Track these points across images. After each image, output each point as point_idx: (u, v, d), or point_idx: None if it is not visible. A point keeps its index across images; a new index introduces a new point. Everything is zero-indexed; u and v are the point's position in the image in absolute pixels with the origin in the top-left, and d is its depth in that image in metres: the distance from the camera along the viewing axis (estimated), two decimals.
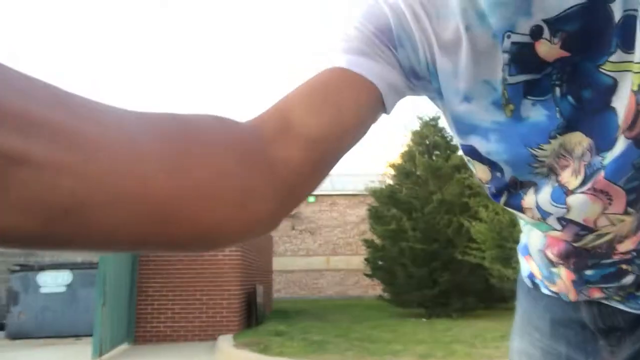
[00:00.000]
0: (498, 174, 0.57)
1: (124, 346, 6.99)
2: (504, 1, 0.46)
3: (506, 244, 7.52)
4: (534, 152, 0.53)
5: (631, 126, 0.48)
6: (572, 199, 0.54)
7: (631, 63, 0.46)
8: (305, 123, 0.42)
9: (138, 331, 7.29)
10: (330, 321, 8.81)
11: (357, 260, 18.49)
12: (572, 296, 0.68)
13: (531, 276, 0.77)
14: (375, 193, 10.65)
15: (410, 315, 8.58)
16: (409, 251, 8.88)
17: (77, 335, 8.12)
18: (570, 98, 0.50)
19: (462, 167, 8.89)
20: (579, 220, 0.56)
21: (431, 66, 0.52)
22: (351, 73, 0.46)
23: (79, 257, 9.22)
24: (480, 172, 0.58)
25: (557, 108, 0.51)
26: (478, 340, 5.58)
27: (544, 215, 0.57)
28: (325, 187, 20.30)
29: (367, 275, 12.57)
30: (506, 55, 0.49)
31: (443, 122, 13.07)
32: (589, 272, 0.63)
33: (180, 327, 7.35)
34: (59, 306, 8.15)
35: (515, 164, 0.55)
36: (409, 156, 10.38)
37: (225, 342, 6.30)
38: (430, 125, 12.15)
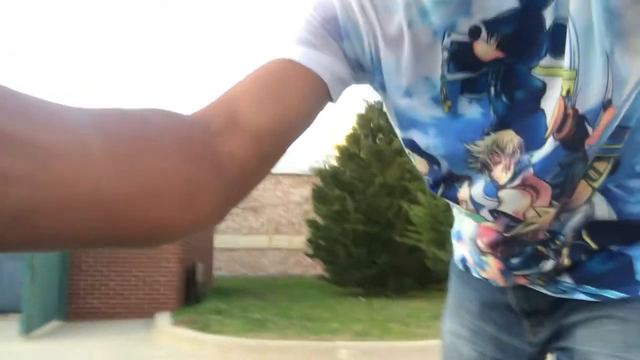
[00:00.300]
0: (435, 167, 0.60)
1: (54, 323, 6.72)
2: (446, 0, 0.48)
3: (441, 227, 7.85)
4: (469, 148, 0.56)
5: (559, 128, 0.50)
6: (503, 193, 0.57)
7: (560, 69, 0.48)
8: (251, 117, 0.43)
9: (70, 307, 7.02)
10: (271, 300, 8.88)
11: (299, 240, 18.65)
12: (500, 283, 0.74)
13: (463, 260, 0.82)
14: (319, 173, 10.73)
15: (349, 295, 8.82)
16: (351, 232, 9.06)
17: (2, 311, 7.71)
18: (503, 97, 0.53)
19: (403, 151, 9.07)
20: (510, 212, 0.59)
21: (375, 59, 0.53)
22: (298, 65, 0.47)
23: None
24: (420, 164, 0.61)
25: (491, 106, 0.53)
26: (412, 320, 5.84)
27: (477, 207, 0.61)
28: None
29: (308, 255, 12.72)
30: (445, 53, 0.52)
31: None
32: (514, 260, 0.68)
33: (116, 303, 7.15)
34: None
35: (452, 158, 0.58)
36: (353, 138, 10.51)
37: (163, 319, 6.21)
38: (376, 109, 12.30)
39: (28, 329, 5.51)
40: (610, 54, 0.46)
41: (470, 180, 0.59)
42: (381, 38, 0.52)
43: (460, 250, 0.82)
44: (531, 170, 0.54)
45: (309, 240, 12.56)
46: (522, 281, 0.71)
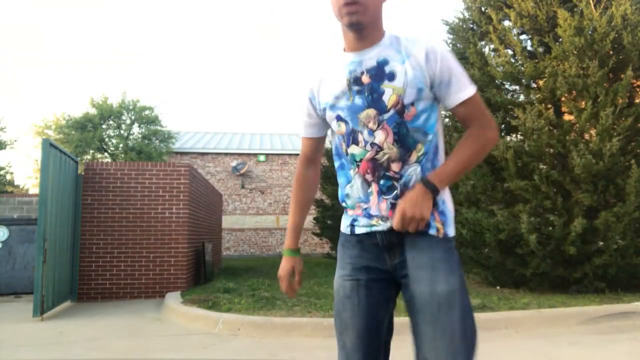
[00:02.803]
0: (347, 127, 1.34)
1: (67, 304, 6.85)
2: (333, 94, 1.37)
3: None
4: (358, 115, 1.31)
5: (395, 105, 1.27)
6: (376, 133, 1.29)
7: (394, 86, 1.27)
8: (315, 161, 1.60)
9: (81, 289, 7.14)
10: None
11: (307, 220, 18.70)
12: (373, 209, 1.31)
13: (353, 220, 1.38)
14: (326, 153, 10.70)
15: None
16: None
17: (16, 293, 7.86)
18: (369, 96, 1.29)
19: None
20: (378, 142, 1.29)
21: (320, 108, 1.42)
22: (309, 139, 1.53)
23: (15, 213, 8.79)
24: (341, 126, 1.35)
25: (365, 99, 1.30)
26: None
27: (365, 143, 1.31)
28: (276, 146, 20.14)
29: (315, 234, 12.77)
30: (350, 78, 1.32)
31: None
32: (382, 182, 1.30)
33: (127, 284, 7.25)
34: None
35: (353, 121, 1.32)
36: None
37: (173, 298, 6.29)
38: None
39: (42, 310, 5.61)
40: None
41: (362, 132, 1.31)
42: (318, 97, 1.41)
43: (353, 214, 1.38)
44: (386, 122, 1.28)
45: (316, 220, 12.57)
46: (383, 205, 1.30)
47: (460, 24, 8.12)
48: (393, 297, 1.33)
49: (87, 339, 4.52)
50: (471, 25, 8.06)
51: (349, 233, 1.37)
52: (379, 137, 1.27)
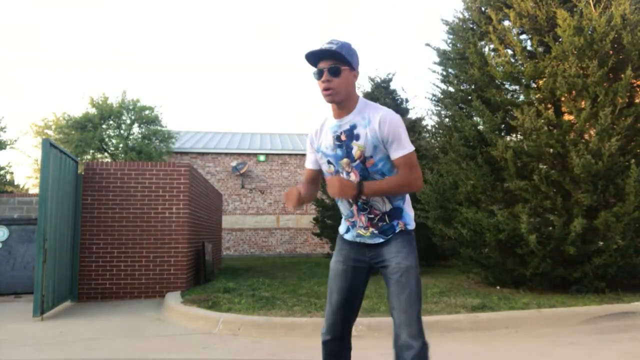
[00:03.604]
0: (334, 167, 1.98)
1: (66, 304, 6.85)
2: (325, 151, 2.02)
3: (448, 205, 7.84)
4: (340, 162, 1.94)
5: (360, 157, 1.88)
6: (350, 174, 1.92)
7: (359, 144, 1.87)
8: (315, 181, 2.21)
9: (81, 288, 7.14)
10: (279, 278, 8.96)
11: (307, 220, 18.69)
12: (358, 221, 1.99)
13: (347, 230, 2.07)
14: None
15: None
16: None
17: (16, 293, 7.86)
18: (346, 149, 1.91)
19: (409, 129, 9.05)
20: (352, 180, 1.92)
21: (317, 149, 2.06)
22: (312, 170, 2.16)
23: (15, 213, 8.79)
24: (330, 167, 1.99)
25: (343, 151, 1.92)
26: None
27: (346, 177, 1.97)
28: (276, 146, 20.13)
29: (315, 234, 12.77)
30: (335, 136, 1.94)
31: (394, 85, 12.99)
32: (359, 204, 1.95)
33: (127, 284, 7.25)
34: None
35: (337, 164, 1.96)
36: None
37: (173, 298, 6.29)
38: (382, 87, 12.18)
39: (42, 310, 5.61)
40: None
41: (342, 173, 1.95)
42: (317, 142, 2.04)
43: (345, 225, 2.08)
44: (354, 167, 1.91)
45: (316, 220, 12.57)
46: (362, 219, 1.97)
47: (460, 24, 8.12)
48: (367, 281, 2.05)
49: (87, 339, 4.52)
50: (471, 25, 8.06)
51: (344, 237, 2.10)
52: (352, 177, 1.91)
